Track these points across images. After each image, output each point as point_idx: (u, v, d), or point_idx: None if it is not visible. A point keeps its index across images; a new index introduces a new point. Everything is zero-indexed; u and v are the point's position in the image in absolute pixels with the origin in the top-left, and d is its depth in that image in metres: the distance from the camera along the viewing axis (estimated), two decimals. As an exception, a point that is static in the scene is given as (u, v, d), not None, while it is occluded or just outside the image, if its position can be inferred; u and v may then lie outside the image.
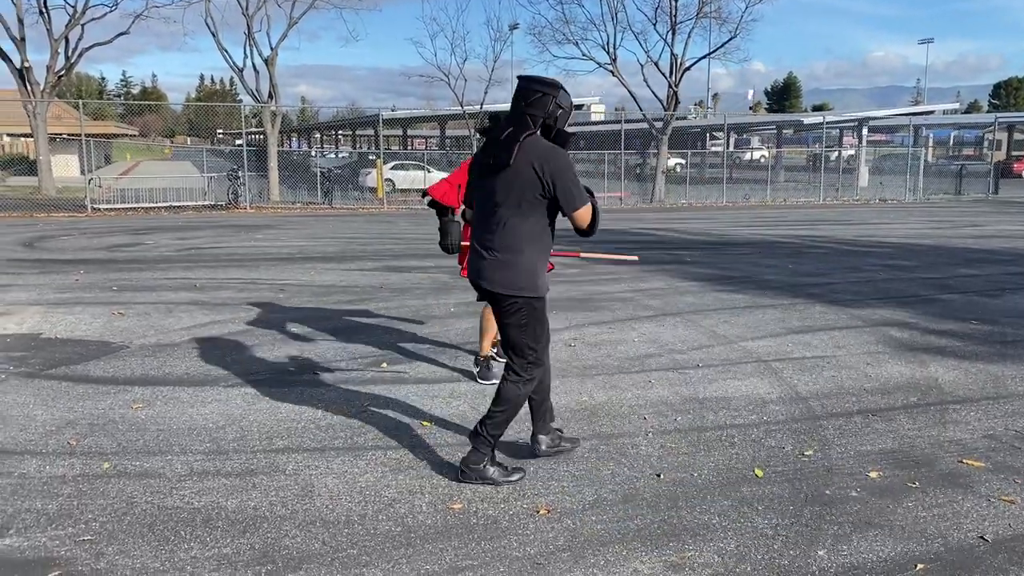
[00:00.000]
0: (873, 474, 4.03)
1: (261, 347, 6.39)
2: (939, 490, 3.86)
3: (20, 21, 21.71)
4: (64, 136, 32.54)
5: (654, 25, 26.31)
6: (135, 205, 19.63)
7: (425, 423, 4.72)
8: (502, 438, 4.02)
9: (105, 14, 23.30)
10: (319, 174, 22.71)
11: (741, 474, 4.03)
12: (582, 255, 5.49)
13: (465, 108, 24.59)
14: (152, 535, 3.34)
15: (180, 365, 5.85)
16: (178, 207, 19.88)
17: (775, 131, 50.87)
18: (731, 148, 56.90)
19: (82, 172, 19.33)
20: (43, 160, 22.39)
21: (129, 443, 4.35)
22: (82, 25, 22.59)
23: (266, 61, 23.01)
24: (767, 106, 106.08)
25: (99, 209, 19.02)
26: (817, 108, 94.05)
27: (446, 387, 5.41)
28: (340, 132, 63.26)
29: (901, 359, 6.22)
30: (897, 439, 4.53)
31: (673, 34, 25.76)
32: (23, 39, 21.75)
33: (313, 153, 35.39)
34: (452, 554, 3.23)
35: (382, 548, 3.27)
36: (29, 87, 21.74)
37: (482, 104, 24.66)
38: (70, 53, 22.56)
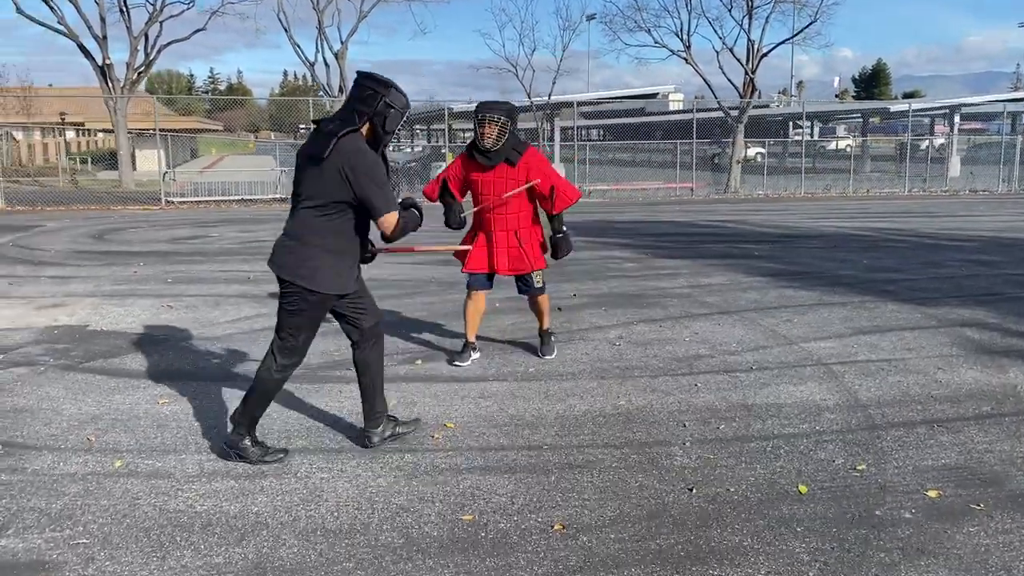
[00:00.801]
0: (932, 493, 3.64)
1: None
2: (1006, 513, 3.45)
3: (102, 19, 22.43)
4: (150, 132, 33.62)
5: (729, 10, 25.49)
6: (207, 198, 20.03)
7: (449, 424, 4.51)
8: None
9: (183, 11, 23.92)
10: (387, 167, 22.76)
11: (783, 490, 3.69)
12: (416, 249, 5.42)
13: (533, 100, 24.31)
14: (147, 540, 3.22)
15: (215, 360, 5.79)
16: (250, 200, 20.20)
17: (861, 120, 48.95)
18: (815, 137, 55.10)
19: (165, 166, 19.78)
20: (123, 155, 23.13)
21: (147, 440, 4.27)
22: (160, 22, 23.23)
23: (336, 55, 23.20)
24: (854, 94, 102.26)
25: (173, 202, 19.48)
26: (908, 95, 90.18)
27: (477, 386, 5.19)
28: (416, 126, 63.78)
29: (977, 363, 5.72)
30: (963, 453, 4.11)
31: (750, 19, 24.91)
32: (105, 37, 22.46)
33: (390, 147, 35.67)
34: (453, 571, 3.00)
35: (380, 562, 3.07)
36: (110, 84, 22.45)
37: (550, 95, 24.34)
38: (149, 50, 23.20)
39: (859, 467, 3.94)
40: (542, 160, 5.52)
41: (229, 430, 4.05)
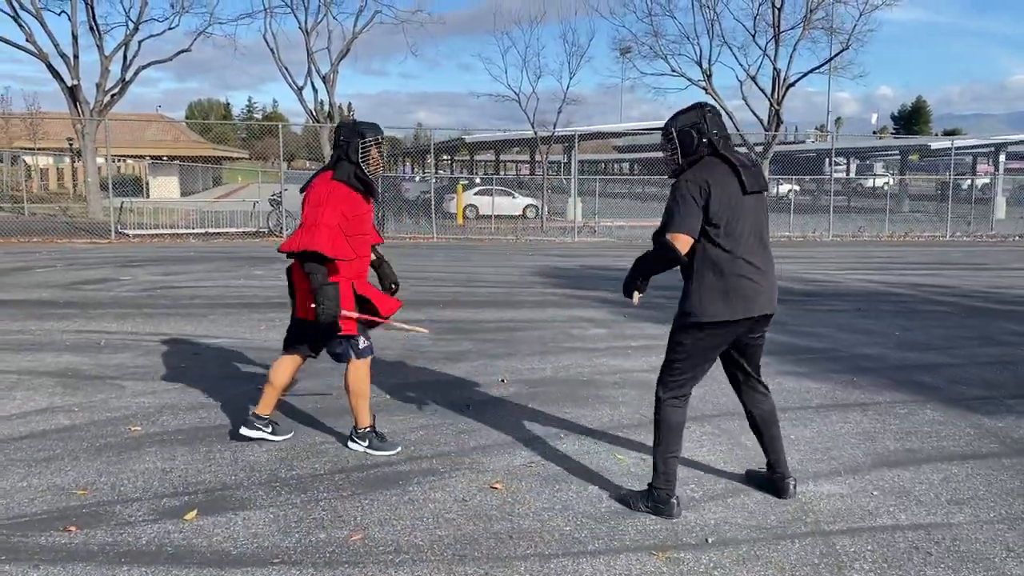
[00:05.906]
0: None
1: (31, 468, 4.28)
2: None
3: (74, 38, 20.96)
4: (164, 158, 32.45)
5: (753, 37, 23.44)
6: (164, 231, 18.28)
7: None
8: None
9: (164, 31, 22.43)
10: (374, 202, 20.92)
11: None
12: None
13: (537, 130, 22.42)
14: None
15: None
16: (216, 233, 18.43)
17: (899, 157, 46.54)
18: (851, 174, 52.66)
19: (129, 196, 18.29)
20: (91, 182, 21.52)
21: None
22: (139, 42, 21.75)
23: (324, 79, 21.55)
24: (893, 131, 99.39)
25: (127, 235, 17.75)
26: (948, 133, 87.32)
27: (226, 587, 3.13)
28: (443, 156, 62.32)
29: (1072, 547, 3.54)
30: None
31: (776, 46, 22.90)
32: (76, 57, 20.99)
33: (408, 177, 34.02)
34: None
35: None
36: (79, 106, 20.91)
37: (555, 125, 22.44)
38: (125, 71, 21.69)
39: None
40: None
41: None
